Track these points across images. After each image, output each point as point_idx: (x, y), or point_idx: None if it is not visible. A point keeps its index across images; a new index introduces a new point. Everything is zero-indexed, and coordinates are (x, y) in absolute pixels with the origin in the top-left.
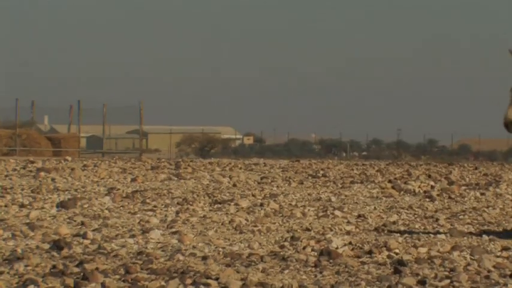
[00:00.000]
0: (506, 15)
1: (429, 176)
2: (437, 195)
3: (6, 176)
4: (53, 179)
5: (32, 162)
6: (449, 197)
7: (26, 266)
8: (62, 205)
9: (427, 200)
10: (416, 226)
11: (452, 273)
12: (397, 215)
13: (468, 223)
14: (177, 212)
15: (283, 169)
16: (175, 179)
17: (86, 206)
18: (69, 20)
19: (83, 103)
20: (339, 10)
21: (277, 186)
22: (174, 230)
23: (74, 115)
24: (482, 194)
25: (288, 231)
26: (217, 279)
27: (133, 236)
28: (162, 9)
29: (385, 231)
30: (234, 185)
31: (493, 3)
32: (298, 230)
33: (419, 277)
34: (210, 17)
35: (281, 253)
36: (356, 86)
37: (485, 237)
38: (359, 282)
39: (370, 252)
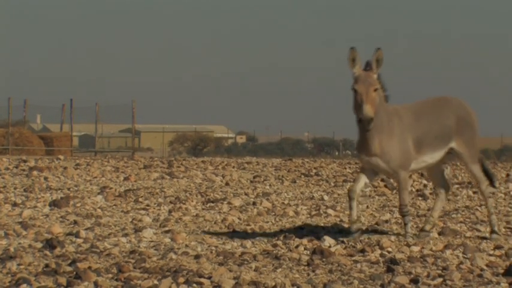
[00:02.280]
0: (500, 16)
1: (422, 175)
2: (430, 193)
3: None
4: (45, 178)
5: (25, 161)
6: None
7: (19, 264)
8: (54, 204)
9: (420, 198)
10: (410, 225)
11: (445, 272)
12: (390, 213)
13: (461, 221)
14: (170, 211)
15: (276, 168)
16: (168, 177)
17: (78, 204)
18: (62, 19)
19: (76, 102)
20: (332, 10)
21: (270, 185)
22: (166, 228)
23: (67, 114)
24: (474, 192)
25: (280, 230)
26: (210, 278)
27: (126, 235)
28: (155, 9)
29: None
30: (227, 184)
31: (490, 2)
32: (291, 229)
33: (412, 276)
34: (204, 17)
35: (274, 252)
36: (348, 84)
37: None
38: (352, 281)
39: (362, 251)
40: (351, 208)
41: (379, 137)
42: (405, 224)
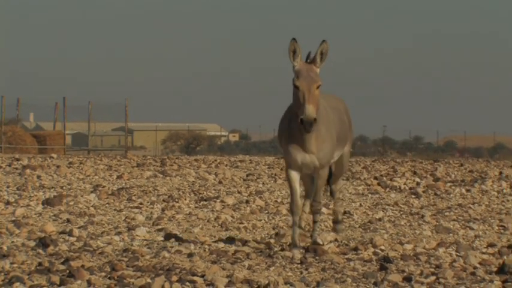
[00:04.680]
0: (496, 15)
1: (415, 173)
2: (423, 191)
3: None
4: (38, 177)
5: (18, 159)
6: (435, 194)
7: (12, 263)
8: (47, 202)
9: (413, 196)
10: (402, 223)
11: (438, 270)
12: (383, 211)
13: (454, 219)
14: (163, 209)
15: (269, 166)
16: (161, 176)
17: (71, 203)
18: (56, 18)
19: (68, 100)
20: (325, 11)
21: (263, 183)
22: (159, 227)
23: (60, 112)
24: (467, 190)
25: (273, 228)
26: (203, 276)
27: (119, 233)
28: (149, 8)
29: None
30: (220, 182)
31: (477, 2)
32: (284, 227)
33: (405, 274)
34: (198, 17)
35: (267, 250)
36: (341, 83)
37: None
38: (345, 279)
39: (355, 249)
40: (296, 225)
41: (316, 134)
42: (315, 222)
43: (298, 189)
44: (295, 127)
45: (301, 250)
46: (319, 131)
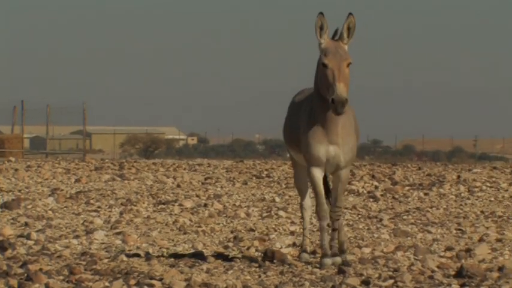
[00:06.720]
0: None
1: (373, 177)
2: (381, 195)
3: None
4: None
5: None
6: (393, 197)
7: None
8: (5, 206)
9: (371, 200)
10: (360, 226)
11: (396, 273)
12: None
13: (412, 223)
14: (121, 213)
15: (227, 169)
16: (119, 179)
17: (29, 206)
18: (13, 19)
19: (26, 104)
20: (296, 14)
21: (221, 187)
22: (118, 230)
23: (18, 116)
24: (425, 194)
25: (232, 232)
26: (161, 279)
27: (77, 237)
28: (107, 8)
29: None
30: (178, 186)
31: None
32: (242, 231)
33: (363, 277)
34: (154, 17)
35: (225, 253)
36: (301, 86)
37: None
38: (303, 283)
39: (314, 253)
40: (325, 231)
41: (342, 123)
42: (334, 230)
43: (323, 190)
44: (318, 115)
45: (332, 259)
46: (345, 123)
